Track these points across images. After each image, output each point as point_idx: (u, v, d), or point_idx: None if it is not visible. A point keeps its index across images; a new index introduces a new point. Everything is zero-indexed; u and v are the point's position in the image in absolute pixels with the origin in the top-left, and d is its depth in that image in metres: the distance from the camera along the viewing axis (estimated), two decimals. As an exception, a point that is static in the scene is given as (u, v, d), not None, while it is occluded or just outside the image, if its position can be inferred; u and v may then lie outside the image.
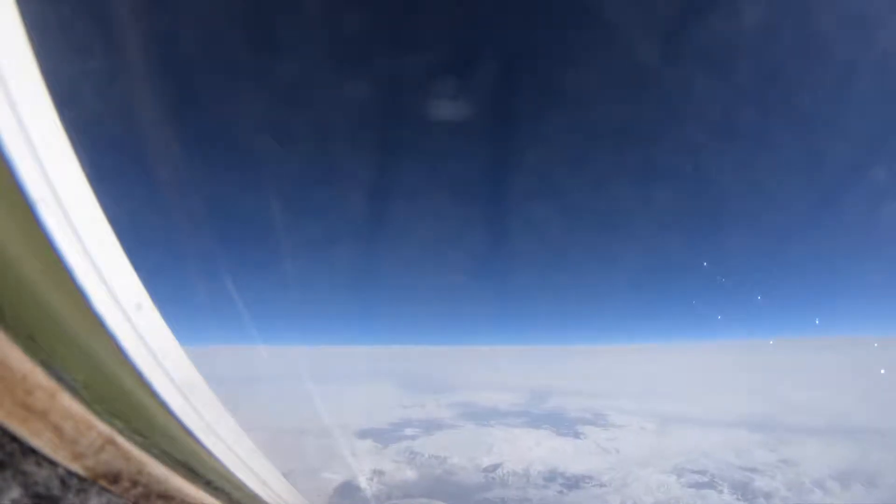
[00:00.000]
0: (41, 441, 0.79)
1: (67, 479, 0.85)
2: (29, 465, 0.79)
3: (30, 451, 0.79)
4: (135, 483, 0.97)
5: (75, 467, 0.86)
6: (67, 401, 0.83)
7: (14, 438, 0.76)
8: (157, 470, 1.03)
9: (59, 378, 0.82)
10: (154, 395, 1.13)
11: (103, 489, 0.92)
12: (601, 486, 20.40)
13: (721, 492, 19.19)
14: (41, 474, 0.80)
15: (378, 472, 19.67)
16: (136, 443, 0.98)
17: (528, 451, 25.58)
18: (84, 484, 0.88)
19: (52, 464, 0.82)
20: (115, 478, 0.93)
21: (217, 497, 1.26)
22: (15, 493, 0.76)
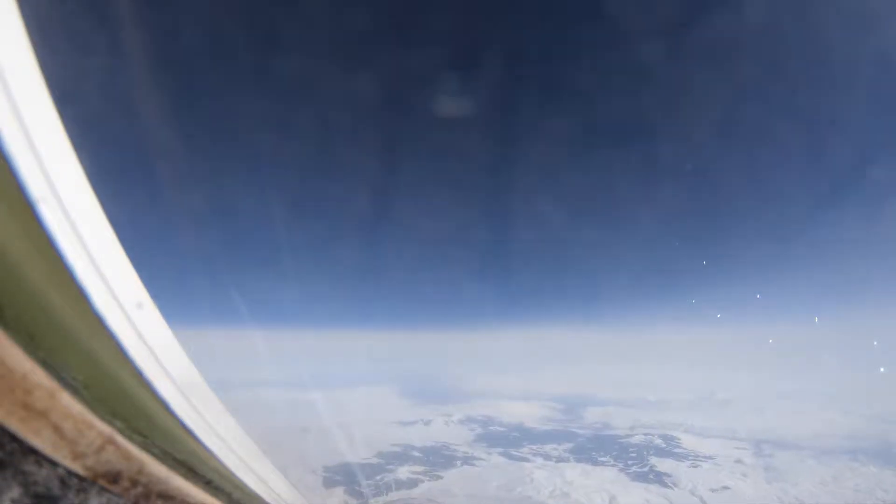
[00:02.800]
0: (41, 440, 0.79)
1: (67, 478, 0.85)
2: (29, 465, 0.79)
3: (30, 451, 0.79)
4: (135, 483, 0.97)
5: (75, 467, 0.85)
6: (67, 400, 0.83)
7: (14, 438, 0.76)
8: (157, 470, 1.03)
9: (59, 377, 0.82)
10: (154, 395, 1.13)
11: (103, 489, 0.91)
12: None
13: None
14: (41, 474, 0.80)
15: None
16: (136, 443, 0.98)
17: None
18: (84, 484, 0.88)
19: (52, 463, 0.82)
20: (115, 478, 0.93)
21: (217, 497, 1.26)
22: (15, 492, 0.76)
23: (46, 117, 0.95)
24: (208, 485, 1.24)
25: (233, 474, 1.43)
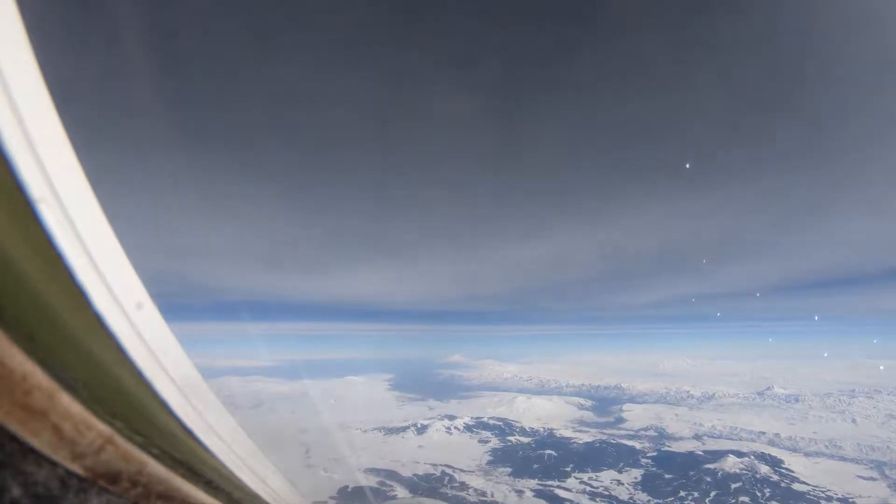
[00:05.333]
0: (41, 441, 0.79)
1: (67, 479, 0.85)
2: (28, 465, 0.79)
3: (29, 451, 0.79)
4: (135, 483, 0.97)
5: (75, 467, 0.85)
6: (67, 401, 0.83)
7: (14, 438, 0.76)
8: (157, 470, 1.03)
9: (59, 378, 0.82)
10: (154, 395, 1.13)
11: (103, 489, 0.91)
12: None
13: None
14: (41, 474, 0.80)
15: None
16: (136, 443, 0.98)
17: None
18: (84, 484, 0.88)
19: (52, 464, 0.82)
20: (115, 478, 0.93)
21: (217, 497, 1.26)
22: (15, 493, 0.76)
23: (46, 117, 0.95)
24: (208, 485, 1.24)
25: (233, 474, 1.43)
